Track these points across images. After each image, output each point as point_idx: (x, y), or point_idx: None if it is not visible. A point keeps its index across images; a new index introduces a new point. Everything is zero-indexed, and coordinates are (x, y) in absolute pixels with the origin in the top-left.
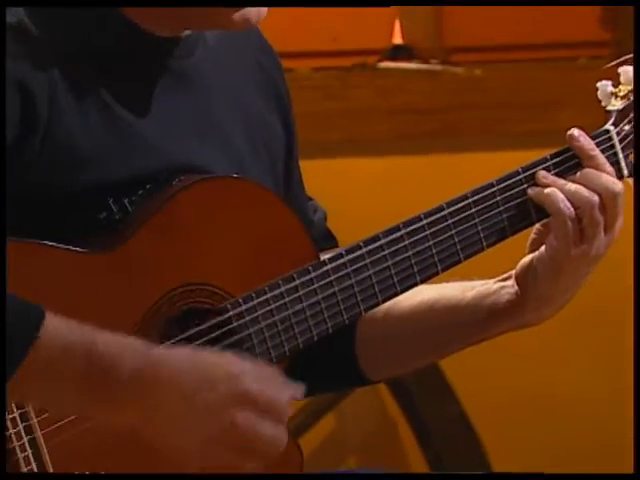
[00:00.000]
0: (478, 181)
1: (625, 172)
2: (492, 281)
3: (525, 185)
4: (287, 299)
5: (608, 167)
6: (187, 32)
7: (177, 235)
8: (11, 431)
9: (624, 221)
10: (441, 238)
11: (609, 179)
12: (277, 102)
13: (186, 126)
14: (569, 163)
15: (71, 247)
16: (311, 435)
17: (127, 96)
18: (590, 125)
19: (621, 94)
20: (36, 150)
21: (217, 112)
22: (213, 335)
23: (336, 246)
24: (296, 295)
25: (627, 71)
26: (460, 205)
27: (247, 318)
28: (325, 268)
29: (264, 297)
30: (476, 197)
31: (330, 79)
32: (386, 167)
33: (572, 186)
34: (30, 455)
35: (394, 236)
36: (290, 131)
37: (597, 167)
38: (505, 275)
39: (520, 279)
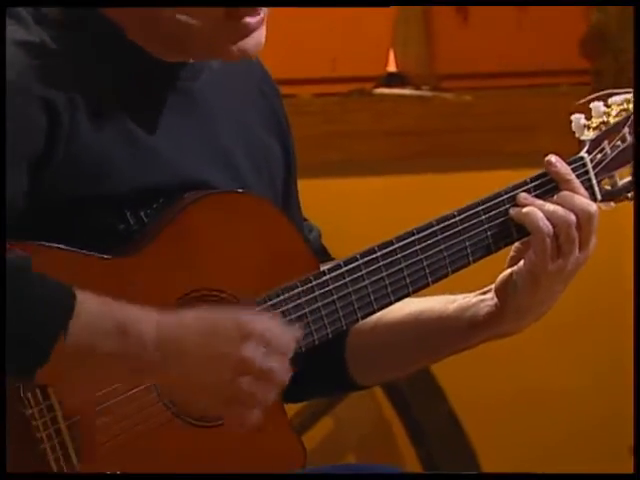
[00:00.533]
0: (467, 198)
1: (598, 196)
2: (472, 294)
3: (507, 205)
4: (290, 305)
5: (582, 190)
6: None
7: (188, 244)
8: (38, 422)
9: (624, 225)
10: (431, 252)
11: (584, 200)
12: (277, 126)
13: (193, 144)
14: (547, 186)
15: (92, 252)
16: (310, 435)
17: (139, 114)
18: (569, 146)
19: (593, 125)
20: (59, 162)
21: (221, 132)
22: None
23: (331, 260)
24: (298, 302)
25: (598, 106)
26: (448, 222)
27: None
28: (325, 278)
29: (268, 303)
30: (463, 215)
31: (330, 104)
32: (382, 185)
33: (550, 206)
34: (52, 433)
35: (388, 249)
36: (289, 153)
37: (573, 190)
38: (485, 289)
39: (500, 292)
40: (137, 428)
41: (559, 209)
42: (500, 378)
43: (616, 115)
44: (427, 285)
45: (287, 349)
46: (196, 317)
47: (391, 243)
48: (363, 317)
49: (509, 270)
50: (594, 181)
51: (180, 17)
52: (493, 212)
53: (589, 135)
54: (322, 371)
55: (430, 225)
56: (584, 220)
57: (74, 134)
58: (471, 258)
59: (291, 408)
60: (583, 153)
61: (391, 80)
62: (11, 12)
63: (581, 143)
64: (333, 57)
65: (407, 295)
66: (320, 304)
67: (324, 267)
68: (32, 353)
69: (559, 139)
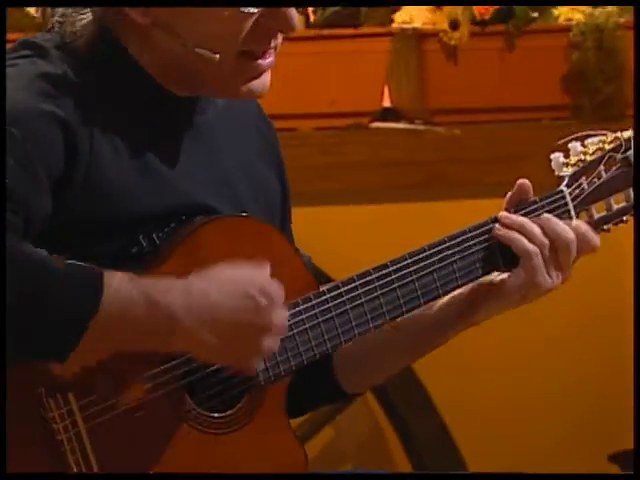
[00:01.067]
0: (456, 224)
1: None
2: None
3: (492, 230)
4: (292, 322)
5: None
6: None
7: (198, 263)
8: (59, 425)
9: (625, 228)
10: (423, 274)
11: (565, 227)
12: (273, 160)
13: (201, 174)
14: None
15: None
16: (311, 444)
17: (153, 144)
18: (551, 176)
19: (571, 163)
20: (77, 186)
21: (225, 164)
22: None
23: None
24: (300, 318)
25: (575, 146)
26: (439, 247)
27: None
28: (324, 297)
29: None
30: (452, 242)
31: (328, 137)
32: (377, 213)
33: (531, 226)
34: (72, 436)
35: (383, 272)
36: (284, 185)
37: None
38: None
39: (480, 295)
40: (149, 433)
41: (540, 233)
42: (489, 390)
43: (592, 154)
44: (419, 306)
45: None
46: (221, 282)
47: (386, 266)
48: (360, 334)
49: (498, 278)
50: (573, 212)
51: (202, 52)
52: (481, 238)
53: (567, 171)
54: (313, 384)
55: (422, 250)
56: (562, 244)
57: (93, 161)
58: (459, 282)
59: (294, 419)
60: (563, 187)
61: (386, 115)
62: (38, 49)
63: (560, 179)
64: (332, 94)
65: (401, 314)
66: (320, 320)
67: (323, 287)
68: (66, 334)
69: (541, 169)
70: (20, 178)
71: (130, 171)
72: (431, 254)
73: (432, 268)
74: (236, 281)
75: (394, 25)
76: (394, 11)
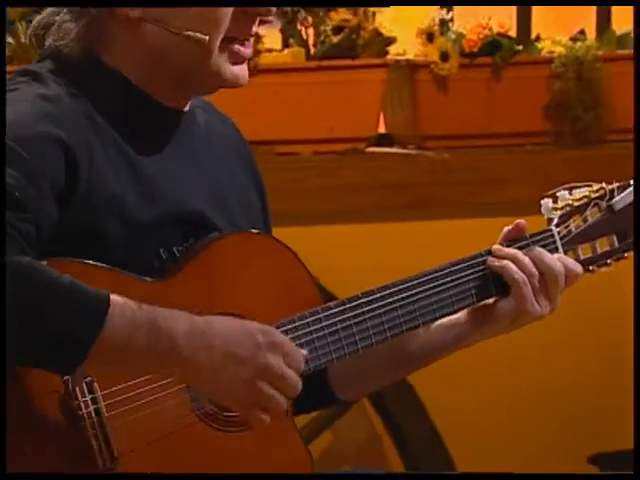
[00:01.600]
0: (447, 242)
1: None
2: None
3: (486, 262)
4: (300, 332)
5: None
6: (187, 108)
7: (212, 274)
8: (83, 412)
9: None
10: (422, 296)
11: (553, 259)
12: (253, 178)
13: (192, 182)
14: (520, 243)
15: (130, 273)
16: (312, 448)
17: (145, 154)
18: (534, 197)
19: (559, 207)
20: (80, 198)
21: (213, 175)
22: None
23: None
24: (308, 330)
25: (564, 194)
26: (438, 274)
27: None
28: (331, 311)
29: (282, 329)
30: (449, 269)
31: (327, 161)
32: (373, 232)
33: (522, 257)
34: (95, 423)
35: (387, 292)
36: (264, 202)
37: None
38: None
39: (478, 317)
40: (165, 424)
41: (530, 265)
42: (477, 397)
43: (579, 200)
44: (418, 326)
45: (300, 363)
46: (225, 320)
47: (389, 287)
48: (363, 348)
49: (491, 305)
50: (561, 249)
51: (191, 34)
52: (476, 268)
53: (556, 214)
54: (308, 389)
55: (422, 275)
56: (551, 275)
57: (92, 174)
58: (455, 307)
59: (297, 422)
60: (552, 226)
61: (381, 140)
62: (33, 74)
63: (549, 221)
64: (331, 121)
65: (401, 333)
66: (327, 332)
67: (329, 303)
68: (72, 352)
69: (524, 191)
70: (30, 192)
71: (126, 182)
72: (430, 279)
73: (430, 292)
74: (241, 320)
75: (388, 57)
76: (388, 44)
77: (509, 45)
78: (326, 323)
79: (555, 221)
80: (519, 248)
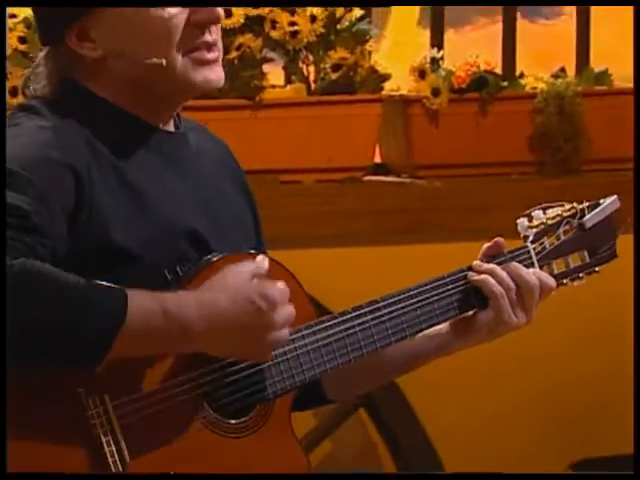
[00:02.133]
0: (438, 265)
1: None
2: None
3: (467, 276)
4: (297, 344)
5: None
6: (172, 127)
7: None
8: (96, 421)
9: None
10: (408, 310)
11: (529, 273)
12: (246, 197)
13: (186, 201)
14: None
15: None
16: (313, 455)
17: (140, 174)
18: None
19: (534, 226)
20: (84, 219)
21: (206, 194)
22: None
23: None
24: (304, 342)
25: (538, 214)
26: (423, 289)
27: None
28: (325, 324)
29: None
30: (433, 284)
31: (327, 189)
32: (370, 255)
33: (500, 272)
34: (108, 431)
35: (375, 306)
36: (256, 218)
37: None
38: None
39: (460, 328)
40: (173, 431)
41: (506, 276)
42: (468, 405)
43: (552, 218)
44: (405, 337)
45: (286, 297)
46: (227, 295)
47: (377, 302)
48: (355, 358)
49: (476, 316)
50: (537, 265)
51: (150, 61)
52: (458, 282)
53: (531, 232)
54: (304, 391)
55: (408, 290)
56: (527, 288)
57: (94, 194)
58: (439, 318)
59: (298, 432)
60: (528, 243)
61: (377, 169)
62: (30, 108)
63: (525, 238)
64: (330, 152)
65: (390, 344)
66: (320, 344)
67: (322, 318)
68: (99, 344)
69: (510, 217)
70: (43, 215)
71: (125, 202)
72: (416, 294)
73: (416, 306)
74: (240, 288)
75: (383, 92)
76: (383, 80)
77: (495, 81)
78: (320, 336)
79: (530, 238)
80: (497, 263)
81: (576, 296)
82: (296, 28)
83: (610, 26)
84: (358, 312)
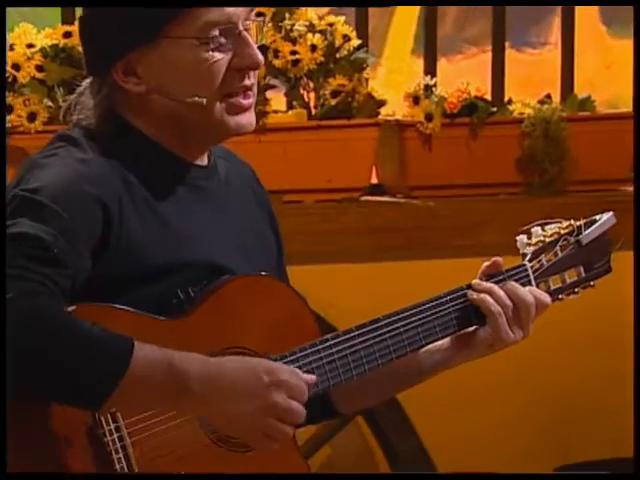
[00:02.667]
0: (432, 280)
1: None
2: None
3: (467, 294)
4: (301, 362)
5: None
6: (205, 161)
7: (223, 313)
8: (108, 439)
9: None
10: (409, 327)
11: (525, 292)
12: (268, 217)
13: (212, 230)
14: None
15: (148, 313)
16: (313, 461)
17: (170, 206)
18: (507, 240)
19: (533, 243)
20: (112, 249)
21: (232, 221)
22: None
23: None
24: (309, 360)
25: (537, 230)
26: (424, 307)
27: None
28: (328, 343)
29: (288, 359)
30: (434, 302)
31: (327, 208)
32: (367, 270)
33: (498, 291)
34: (119, 448)
35: (377, 324)
36: (278, 238)
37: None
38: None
39: (461, 342)
40: (182, 447)
41: (505, 297)
42: (460, 415)
43: (550, 236)
44: (406, 354)
45: (303, 395)
46: (235, 361)
47: (379, 320)
48: (357, 375)
49: (477, 332)
50: (534, 282)
51: (191, 100)
52: (457, 300)
53: (530, 249)
54: (314, 405)
55: (410, 308)
56: (523, 306)
57: (123, 228)
58: (440, 334)
59: (299, 437)
60: (525, 261)
61: (373, 190)
62: (70, 139)
63: (523, 256)
64: (330, 173)
65: (390, 360)
66: (324, 362)
67: (326, 336)
68: (100, 390)
69: (500, 235)
70: (67, 248)
71: (154, 232)
72: (417, 312)
73: (417, 324)
74: (250, 361)
75: (380, 117)
76: (380, 106)
77: (485, 107)
78: (324, 354)
79: (528, 257)
80: (496, 282)
81: (576, 300)
82: (297, 57)
83: (593, 56)
84: (361, 330)
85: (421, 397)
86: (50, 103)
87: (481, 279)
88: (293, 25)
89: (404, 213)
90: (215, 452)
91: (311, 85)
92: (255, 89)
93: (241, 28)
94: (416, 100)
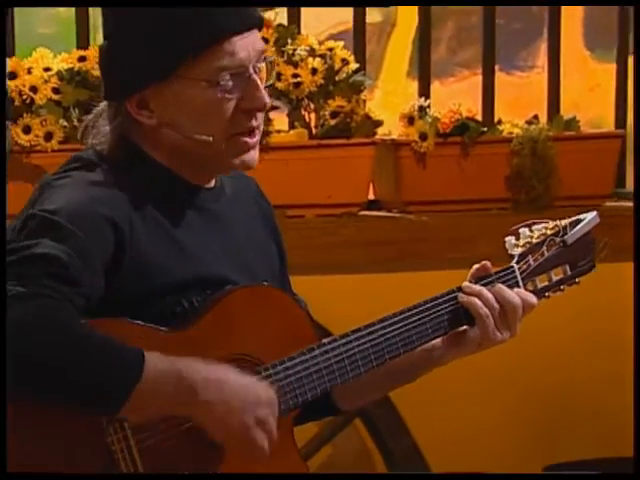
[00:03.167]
0: (425, 290)
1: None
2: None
3: (458, 297)
4: (301, 367)
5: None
6: (213, 184)
7: (226, 322)
8: (116, 447)
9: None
10: (403, 329)
11: (512, 294)
12: (271, 230)
13: (217, 248)
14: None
15: (156, 326)
16: (313, 461)
17: (180, 228)
18: (496, 252)
19: (520, 244)
20: (125, 268)
21: (236, 237)
22: None
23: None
24: (307, 365)
25: (524, 231)
26: (417, 310)
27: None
28: (325, 347)
29: (287, 364)
30: (426, 305)
31: (327, 222)
32: (364, 281)
33: (487, 294)
34: (127, 455)
35: (373, 328)
36: (281, 249)
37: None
38: (437, 340)
39: (452, 341)
40: (186, 453)
41: (492, 299)
42: (453, 417)
43: (537, 237)
44: (399, 355)
45: (275, 411)
46: (238, 377)
47: (374, 324)
48: (353, 377)
49: (467, 332)
50: (521, 283)
51: (199, 137)
52: (449, 302)
53: (517, 251)
54: (317, 402)
55: (403, 312)
56: (510, 308)
57: (134, 247)
58: (432, 335)
59: (299, 439)
60: (513, 263)
61: (371, 205)
62: (85, 161)
63: (511, 257)
64: (330, 189)
65: (384, 362)
66: (322, 366)
67: (324, 340)
68: (115, 399)
69: (489, 248)
70: (81, 267)
71: (163, 251)
72: (410, 315)
73: (410, 326)
74: (248, 385)
75: (377, 137)
76: (376, 126)
77: (476, 127)
78: (321, 359)
79: (515, 259)
80: (485, 284)
81: (575, 300)
82: (299, 80)
83: (577, 79)
84: (356, 334)
85: (414, 398)
86: (65, 123)
87: (471, 281)
88: (295, 50)
89: (400, 227)
90: (216, 455)
91: (312, 106)
92: (261, 128)
93: (251, 71)
94: (411, 120)
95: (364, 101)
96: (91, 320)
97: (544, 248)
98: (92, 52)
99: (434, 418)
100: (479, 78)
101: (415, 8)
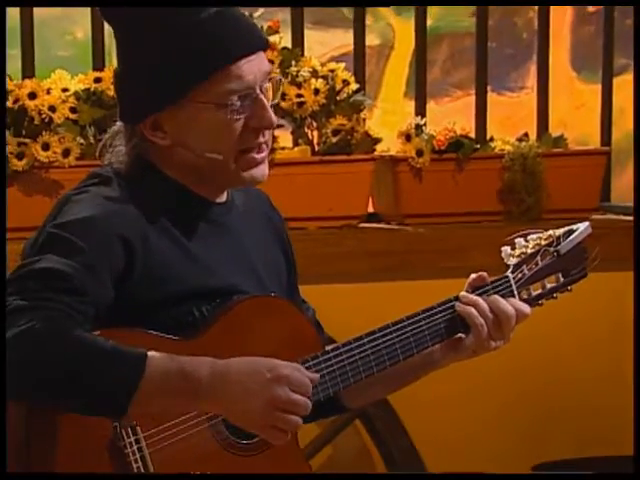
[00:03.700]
0: (422, 298)
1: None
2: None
3: (454, 307)
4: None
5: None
6: (224, 198)
7: (235, 330)
8: (129, 450)
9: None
10: (403, 337)
11: (506, 305)
12: (280, 241)
13: (228, 260)
14: (482, 290)
15: (166, 335)
16: (315, 460)
17: (191, 239)
18: (489, 262)
19: (516, 254)
20: (137, 278)
21: (247, 251)
22: None
23: (323, 332)
24: (313, 370)
25: (520, 241)
26: (415, 318)
27: None
28: (329, 355)
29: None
30: (425, 314)
31: (328, 234)
32: (364, 290)
33: (483, 304)
34: (139, 459)
35: (373, 336)
36: (289, 260)
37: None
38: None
39: (448, 348)
40: (196, 455)
41: (487, 310)
42: (450, 418)
43: (532, 247)
44: (398, 361)
45: (306, 387)
46: (240, 361)
47: (374, 332)
48: (354, 382)
49: (462, 340)
50: (516, 293)
51: (210, 155)
52: (446, 312)
53: (513, 261)
54: (326, 402)
55: (402, 320)
56: (504, 318)
57: (147, 259)
58: (430, 343)
59: (302, 439)
60: (508, 273)
61: (370, 218)
62: (102, 177)
63: (507, 266)
64: (331, 202)
65: (385, 368)
66: (325, 372)
67: (328, 347)
68: (120, 399)
69: (482, 258)
70: (86, 278)
71: (177, 262)
72: (409, 323)
73: (409, 334)
74: (253, 360)
75: (376, 153)
76: (375, 143)
77: (469, 144)
78: (324, 365)
79: (510, 268)
80: (481, 293)
81: (576, 300)
82: (302, 99)
83: (565, 99)
84: (358, 342)
85: (410, 399)
86: (82, 141)
87: (468, 291)
88: (298, 71)
89: (398, 238)
90: (225, 457)
91: (314, 125)
92: (270, 143)
93: (258, 92)
94: (408, 138)
95: (364, 120)
96: (106, 329)
97: (538, 258)
98: (107, 73)
99: (431, 419)
100: (472, 98)
101: (412, 32)
